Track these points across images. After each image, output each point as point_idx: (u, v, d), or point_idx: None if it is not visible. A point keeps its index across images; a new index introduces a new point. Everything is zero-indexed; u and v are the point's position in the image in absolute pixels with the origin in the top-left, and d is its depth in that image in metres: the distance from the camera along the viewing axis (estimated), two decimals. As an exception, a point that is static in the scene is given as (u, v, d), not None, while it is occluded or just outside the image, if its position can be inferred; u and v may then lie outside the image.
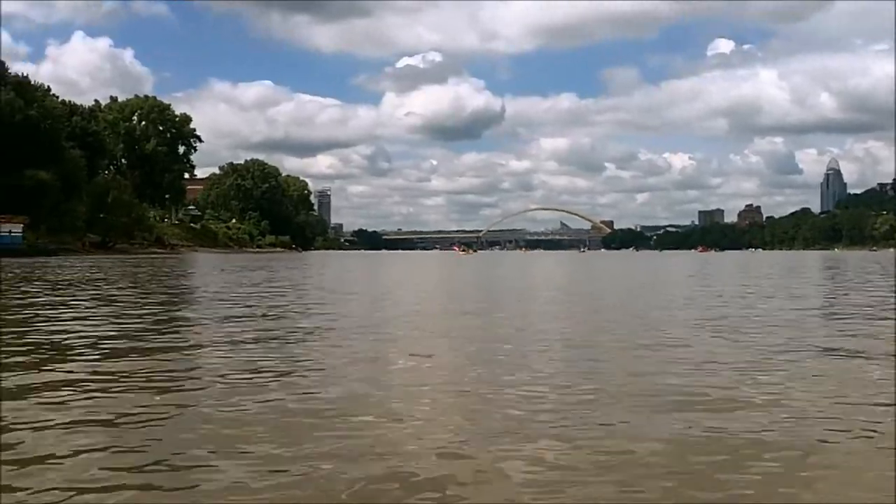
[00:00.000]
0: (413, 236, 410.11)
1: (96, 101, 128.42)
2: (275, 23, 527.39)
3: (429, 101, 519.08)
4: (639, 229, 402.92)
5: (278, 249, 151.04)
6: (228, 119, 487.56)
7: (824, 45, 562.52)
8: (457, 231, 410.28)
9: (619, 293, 21.00)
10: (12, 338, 8.97)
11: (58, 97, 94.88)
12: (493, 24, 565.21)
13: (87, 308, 13.47)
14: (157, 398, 5.56)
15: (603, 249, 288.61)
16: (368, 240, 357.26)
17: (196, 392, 5.82)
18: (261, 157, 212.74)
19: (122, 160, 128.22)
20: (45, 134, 78.67)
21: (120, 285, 22.18)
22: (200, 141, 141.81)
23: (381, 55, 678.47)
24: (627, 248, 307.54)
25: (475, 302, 17.02)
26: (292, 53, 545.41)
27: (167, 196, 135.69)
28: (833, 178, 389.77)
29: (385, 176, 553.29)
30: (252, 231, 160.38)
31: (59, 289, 19.82)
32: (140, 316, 12.06)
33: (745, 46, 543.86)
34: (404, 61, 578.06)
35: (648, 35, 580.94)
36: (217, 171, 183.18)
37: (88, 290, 19.47)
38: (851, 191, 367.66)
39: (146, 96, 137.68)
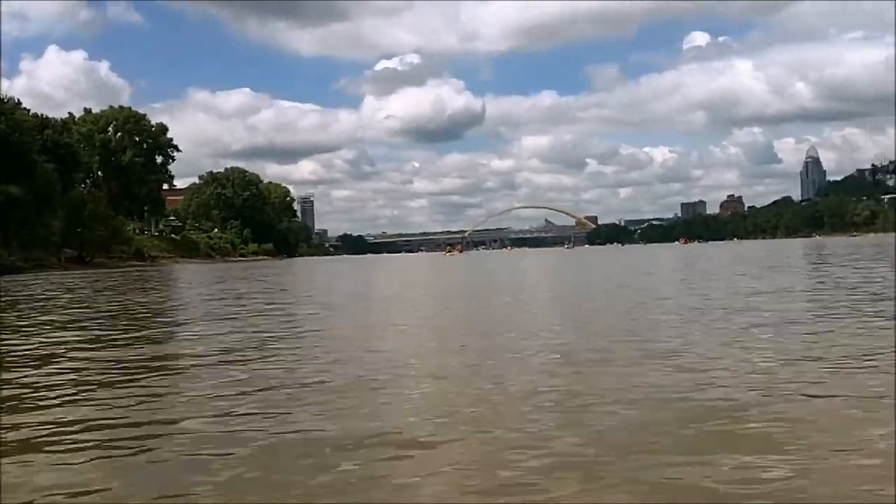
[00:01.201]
0: (398, 239, 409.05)
1: (70, 113, 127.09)
2: (252, 29, 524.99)
3: (409, 104, 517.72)
4: (623, 224, 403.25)
5: (262, 257, 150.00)
6: (208, 128, 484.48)
7: (799, 35, 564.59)
8: (442, 232, 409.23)
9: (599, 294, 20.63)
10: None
11: (29, 110, 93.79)
12: (473, 25, 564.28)
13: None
14: None
15: (587, 245, 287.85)
16: (353, 244, 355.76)
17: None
18: (242, 164, 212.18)
19: (98, 172, 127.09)
20: (15, 147, 77.56)
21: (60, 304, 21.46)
22: (178, 150, 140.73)
23: (360, 58, 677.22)
24: (612, 243, 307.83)
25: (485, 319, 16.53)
26: (271, 59, 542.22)
27: (146, 207, 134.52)
28: (812, 166, 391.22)
29: (368, 180, 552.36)
30: (234, 240, 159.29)
31: None
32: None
33: (721, 39, 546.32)
34: (383, 64, 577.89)
35: (627, 31, 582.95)
36: (197, 180, 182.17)
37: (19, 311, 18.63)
38: (831, 178, 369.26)
39: (121, 107, 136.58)
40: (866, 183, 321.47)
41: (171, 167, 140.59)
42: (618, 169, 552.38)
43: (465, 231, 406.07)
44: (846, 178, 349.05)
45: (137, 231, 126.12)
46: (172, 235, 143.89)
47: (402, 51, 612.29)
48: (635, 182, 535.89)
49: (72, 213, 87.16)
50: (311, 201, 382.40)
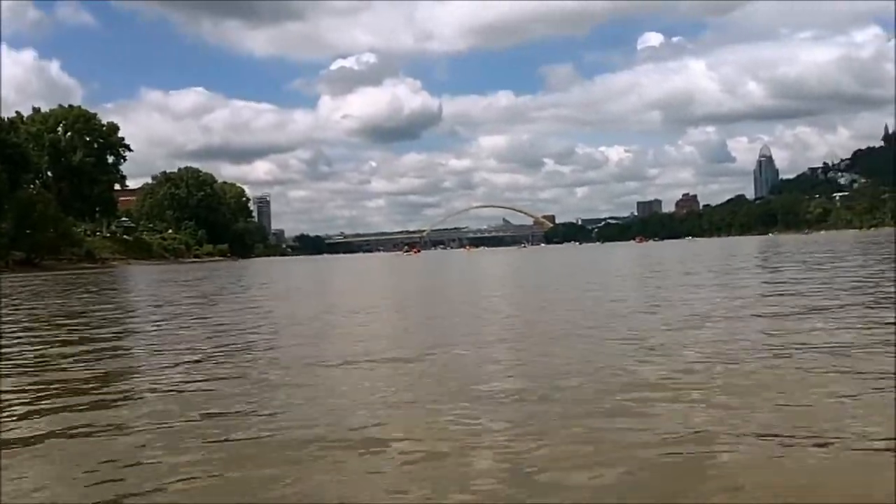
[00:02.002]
0: (356, 239, 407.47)
1: (17, 112, 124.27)
2: (205, 28, 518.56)
3: (366, 103, 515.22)
4: (580, 223, 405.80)
5: (217, 258, 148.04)
6: (162, 128, 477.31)
7: (751, 35, 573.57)
8: (400, 232, 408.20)
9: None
10: None
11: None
12: (428, 24, 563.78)
13: None
14: None
15: (543, 245, 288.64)
16: (311, 245, 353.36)
17: None
18: (198, 165, 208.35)
19: (48, 173, 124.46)
20: (-40, 148, 75.50)
21: None
22: (130, 150, 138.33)
23: (316, 58, 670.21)
24: (570, 241, 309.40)
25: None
26: (225, 59, 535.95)
27: (97, 208, 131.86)
28: (765, 164, 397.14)
29: (325, 180, 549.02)
30: (188, 241, 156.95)
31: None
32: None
33: (675, 39, 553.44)
34: (339, 64, 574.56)
35: (582, 31, 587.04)
36: (150, 181, 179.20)
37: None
38: (783, 176, 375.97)
39: (71, 106, 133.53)
40: (818, 181, 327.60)
41: (124, 168, 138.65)
42: (574, 168, 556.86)
43: (424, 231, 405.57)
44: (799, 176, 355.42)
45: (89, 233, 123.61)
46: (125, 237, 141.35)
47: (357, 50, 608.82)
48: (592, 181, 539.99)
49: (20, 214, 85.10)
50: (268, 202, 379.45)
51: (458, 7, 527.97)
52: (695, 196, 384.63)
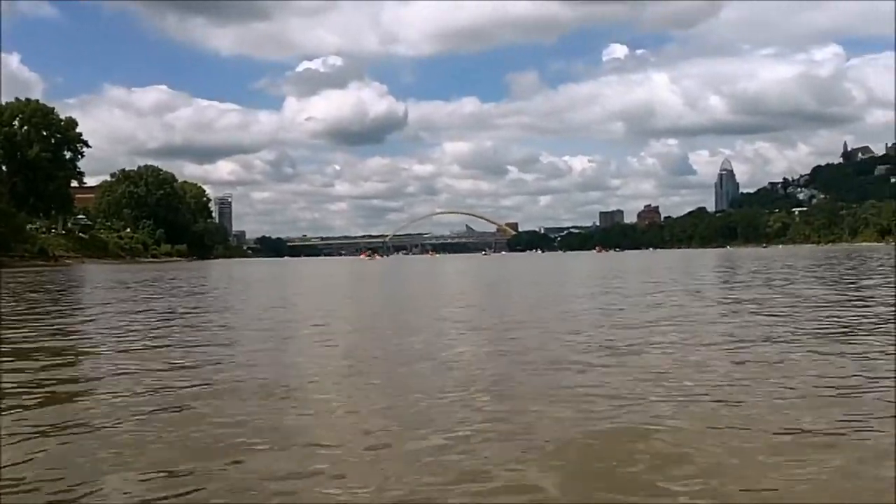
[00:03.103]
0: (318, 242, 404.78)
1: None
2: (170, 25, 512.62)
3: (331, 106, 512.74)
4: (543, 231, 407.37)
5: (175, 259, 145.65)
6: (124, 125, 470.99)
7: (714, 50, 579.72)
8: (363, 236, 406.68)
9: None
10: None
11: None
12: (395, 27, 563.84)
13: None
14: None
15: (504, 252, 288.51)
16: (272, 247, 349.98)
17: None
18: (159, 164, 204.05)
19: (2, 167, 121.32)
20: None
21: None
22: (88, 146, 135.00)
23: (282, 59, 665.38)
24: (532, 249, 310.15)
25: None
26: (189, 57, 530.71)
27: (53, 205, 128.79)
28: (726, 178, 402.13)
29: (289, 182, 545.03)
30: (146, 240, 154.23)
31: None
32: None
33: (639, 52, 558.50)
34: (304, 65, 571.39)
35: (549, 39, 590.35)
36: (109, 178, 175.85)
37: None
38: (744, 190, 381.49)
39: (28, 99, 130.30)
40: (778, 195, 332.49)
41: (84, 164, 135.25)
42: (538, 176, 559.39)
43: (387, 235, 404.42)
44: (759, 190, 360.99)
45: (43, 230, 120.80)
46: (80, 234, 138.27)
47: (324, 52, 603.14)
48: (555, 190, 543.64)
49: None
50: (230, 202, 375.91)
51: (425, 10, 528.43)
52: (656, 207, 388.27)
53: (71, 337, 11.82)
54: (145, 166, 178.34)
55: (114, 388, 6.96)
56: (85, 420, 5.65)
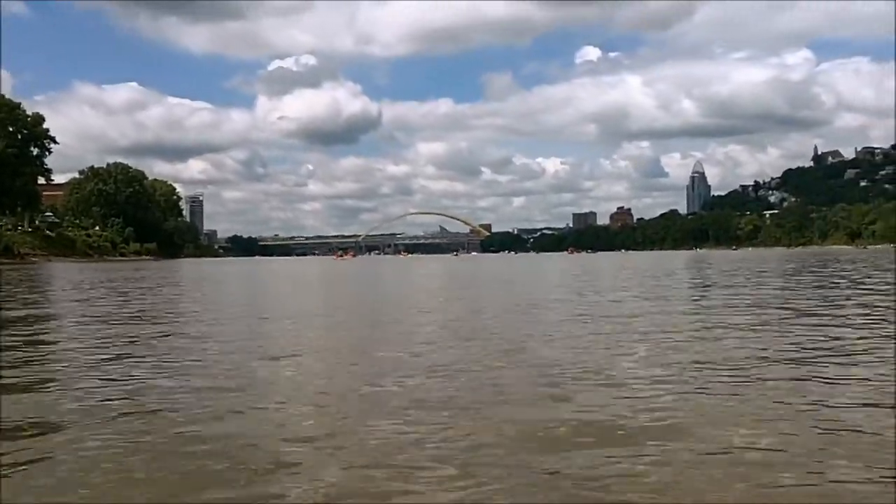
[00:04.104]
0: (290, 242, 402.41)
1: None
2: (142, 23, 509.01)
3: (304, 106, 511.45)
4: (516, 232, 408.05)
5: (144, 257, 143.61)
6: (94, 123, 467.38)
7: (687, 53, 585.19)
8: (335, 236, 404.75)
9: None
10: None
11: None
12: (369, 28, 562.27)
13: None
14: None
15: (475, 253, 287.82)
16: (244, 246, 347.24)
17: None
18: (130, 162, 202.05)
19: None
20: None
21: None
22: (55, 142, 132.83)
23: (254, 58, 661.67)
24: (505, 251, 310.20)
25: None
26: (161, 55, 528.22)
27: (19, 202, 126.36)
28: (698, 180, 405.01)
29: (261, 181, 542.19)
30: (115, 238, 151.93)
31: None
32: None
33: (612, 54, 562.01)
34: (277, 64, 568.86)
35: (523, 41, 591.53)
36: (77, 175, 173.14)
37: None
38: (715, 192, 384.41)
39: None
40: (749, 198, 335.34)
41: (54, 162, 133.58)
42: (512, 178, 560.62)
43: (360, 235, 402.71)
44: (730, 192, 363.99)
45: (9, 227, 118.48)
46: (48, 232, 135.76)
47: (297, 51, 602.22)
48: (529, 191, 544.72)
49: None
50: (200, 201, 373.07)
51: (401, 11, 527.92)
52: (629, 209, 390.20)
53: None
54: (114, 164, 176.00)
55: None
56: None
